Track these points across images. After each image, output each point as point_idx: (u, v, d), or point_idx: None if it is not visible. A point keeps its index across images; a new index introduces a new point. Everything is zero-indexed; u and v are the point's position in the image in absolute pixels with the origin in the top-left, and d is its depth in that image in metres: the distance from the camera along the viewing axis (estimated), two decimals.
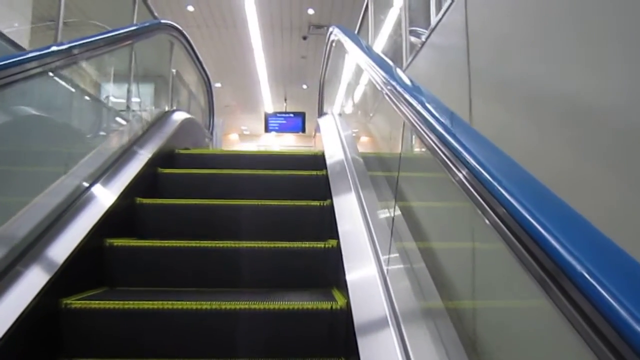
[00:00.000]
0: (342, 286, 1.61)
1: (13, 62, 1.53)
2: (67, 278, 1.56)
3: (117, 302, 1.51)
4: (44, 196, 1.75)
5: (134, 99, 3.23)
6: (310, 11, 8.49)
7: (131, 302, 1.50)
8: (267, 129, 12.72)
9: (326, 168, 2.63)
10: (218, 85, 12.11)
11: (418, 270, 1.41)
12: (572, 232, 0.58)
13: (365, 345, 1.26)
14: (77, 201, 1.88)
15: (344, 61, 4.77)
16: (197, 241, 1.89)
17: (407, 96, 1.40)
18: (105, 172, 2.20)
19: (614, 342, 0.45)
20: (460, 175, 0.91)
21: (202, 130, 4.96)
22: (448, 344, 1.15)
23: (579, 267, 0.51)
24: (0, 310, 1.31)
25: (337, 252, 1.78)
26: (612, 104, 1.09)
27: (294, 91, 12.74)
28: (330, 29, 4.07)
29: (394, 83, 1.60)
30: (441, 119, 1.11)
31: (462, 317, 1.20)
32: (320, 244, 1.89)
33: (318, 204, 2.21)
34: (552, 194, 0.69)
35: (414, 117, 1.29)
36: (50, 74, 1.88)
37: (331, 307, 1.51)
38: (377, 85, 1.92)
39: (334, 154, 2.81)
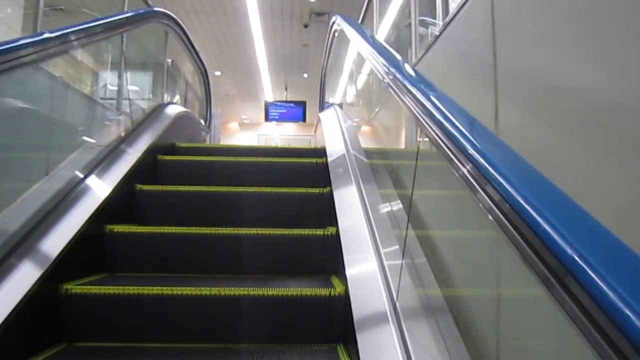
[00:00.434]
0: (341, 273, 1.63)
1: None
2: (67, 264, 1.58)
3: (117, 287, 1.53)
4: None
5: (128, 90, 3.12)
6: None
7: (131, 288, 1.53)
8: (267, 118, 12.71)
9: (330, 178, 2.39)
10: (218, 73, 12.07)
11: (417, 259, 1.43)
12: (578, 230, 0.58)
13: (362, 331, 1.28)
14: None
15: (347, 52, 4.70)
16: (197, 228, 1.91)
17: (421, 98, 1.25)
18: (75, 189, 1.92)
19: (617, 340, 0.44)
20: (464, 169, 0.90)
21: (198, 125, 4.79)
22: (445, 331, 1.17)
23: (583, 265, 0.51)
24: (1, 295, 1.33)
25: (336, 240, 1.80)
26: None
27: (294, 80, 12.69)
28: (333, 19, 3.93)
29: (404, 81, 1.43)
30: (460, 124, 1.02)
31: (459, 305, 1.22)
32: (320, 231, 1.91)
33: (318, 190, 2.23)
34: (557, 188, 0.67)
35: (426, 118, 1.17)
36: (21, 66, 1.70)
37: (329, 293, 1.53)
38: (384, 82, 1.73)
39: (337, 160, 2.56)
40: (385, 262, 1.51)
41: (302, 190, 2.26)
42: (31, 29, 2.70)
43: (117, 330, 1.54)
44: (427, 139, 1.16)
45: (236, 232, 1.92)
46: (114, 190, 2.03)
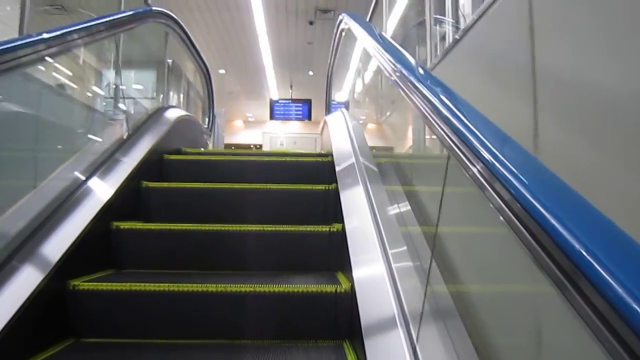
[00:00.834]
0: (347, 270, 1.64)
1: None
2: (74, 260, 1.60)
3: (124, 284, 1.55)
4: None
5: (123, 94, 2.95)
6: None
7: (138, 284, 1.55)
8: (272, 116, 12.73)
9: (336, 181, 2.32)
10: (222, 71, 12.10)
11: (422, 254, 1.43)
12: (591, 230, 0.56)
13: (368, 328, 1.29)
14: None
15: (355, 51, 4.58)
16: (203, 224, 1.93)
17: (448, 114, 1.07)
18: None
19: (633, 344, 0.43)
20: (474, 169, 0.88)
21: (199, 128, 4.63)
22: (452, 328, 1.18)
23: (597, 266, 0.49)
24: (10, 292, 1.35)
25: (341, 236, 1.81)
26: None
27: (299, 78, 12.70)
28: (340, 17, 3.77)
29: (422, 89, 1.27)
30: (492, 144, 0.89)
31: (467, 303, 1.23)
32: (325, 228, 1.92)
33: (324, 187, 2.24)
34: (571, 190, 0.65)
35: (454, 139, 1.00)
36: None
37: (335, 290, 1.54)
38: (399, 87, 1.53)
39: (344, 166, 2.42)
40: (392, 262, 1.51)
41: (308, 186, 2.27)
42: (31, 28, 2.67)
43: (123, 327, 1.56)
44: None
45: (242, 228, 1.94)
46: (118, 189, 2.05)
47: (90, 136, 2.44)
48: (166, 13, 3.51)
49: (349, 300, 1.51)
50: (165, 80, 3.99)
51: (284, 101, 12.94)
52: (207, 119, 5.55)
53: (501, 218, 0.72)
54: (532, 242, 0.62)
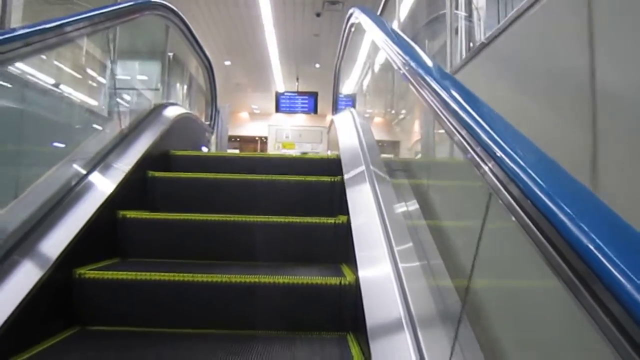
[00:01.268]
0: (352, 262, 1.66)
1: None
2: (80, 249, 1.62)
3: (129, 272, 1.58)
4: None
5: (117, 93, 2.74)
6: None
7: (143, 273, 1.57)
8: (278, 109, 12.73)
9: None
10: (227, 63, 12.12)
11: (426, 245, 1.44)
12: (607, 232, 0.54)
13: (372, 319, 1.30)
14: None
15: (366, 46, 4.42)
16: (209, 214, 1.95)
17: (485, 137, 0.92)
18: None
19: None
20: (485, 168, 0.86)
21: (200, 127, 4.45)
22: (456, 320, 1.18)
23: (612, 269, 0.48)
24: (16, 280, 1.38)
25: (346, 228, 1.82)
26: None
27: (306, 70, 12.69)
28: (351, 11, 3.63)
29: (446, 98, 1.16)
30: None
31: (472, 297, 1.23)
32: (331, 220, 1.94)
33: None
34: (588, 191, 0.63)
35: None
36: None
37: (340, 282, 1.56)
38: (418, 93, 1.42)
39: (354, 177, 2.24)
40: (396, 251, 1.52)
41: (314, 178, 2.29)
42: (31, 19, 2.60)
43: (129, 315, 1.58)
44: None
45: (247, 219, 1.96)
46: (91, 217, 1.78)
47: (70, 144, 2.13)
48: (166, 5, 3.29)
49: (354, 291, 1.52)
50: (166, 74, 3.83)
51: (289, 94, 12.93)
52: (209, 115, 5.40)
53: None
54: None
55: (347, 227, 1.83)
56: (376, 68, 4.15)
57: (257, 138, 17.23)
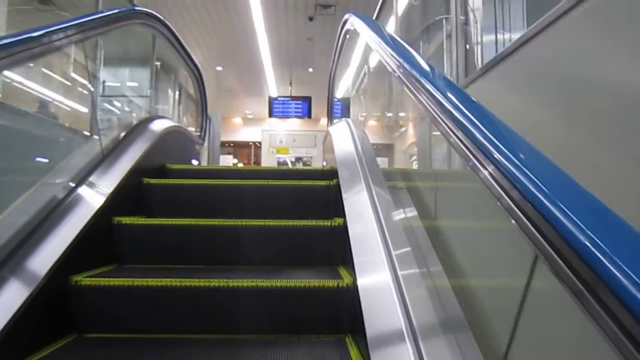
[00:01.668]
0: (349, 264, 1.67)
1: None
2: (76, 256, 1.63)
3: (125, 279, 1.58)
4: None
5: (95, 109, 2.55)
6: None
7: (140, 280, 1.58)
8: (271, 114, 12.74)
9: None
10: (219, 68, 12.13)
11: (424, 247, 1.46)
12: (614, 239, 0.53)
13: (371, 321, 1.32)
14: None
15: (365, 55, 4.29)
16: (205, 219, 1.96)
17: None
18: None
19: None
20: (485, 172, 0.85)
21: (189, 139, 4.26)
22: (455, 322, 1.20)
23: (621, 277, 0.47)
24: (12, 288, 1.38)
25: (343, 230, 1.84)
26: None
27: (299, 75, 12.72)
28: (345, 17, 3.43)
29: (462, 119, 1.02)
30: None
31: (465, 291, 1.25)
32: (327, 222, 1.96)
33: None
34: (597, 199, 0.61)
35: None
36: None
37: (337, 284, 1.57)
38: (433, 116, 1.23)
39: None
40: (393, 254, 1.54)
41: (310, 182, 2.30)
42: (17, 26, 2.50)
43: (126, 322, 1.59)
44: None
45: (243, 223, 1.97)
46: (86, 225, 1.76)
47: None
48: (150, 13, 3.09)
49: (351, 294, 1.53)
50: (153, 84, 3.66)
51: (283, 98, 12.95)
52: (199, 126, 5.22)
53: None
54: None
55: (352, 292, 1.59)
56: (371, 73, 4.04)
57: (250, 143, 17.23)
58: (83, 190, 1.93)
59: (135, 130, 2.73)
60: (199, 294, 1.59)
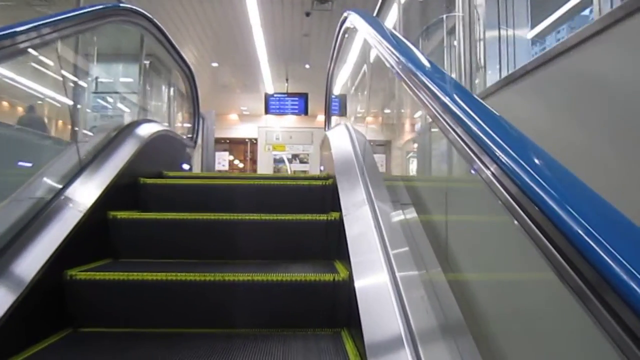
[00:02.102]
0: (344, 258, 1.69)
1: None
2: (71, 250, 1.64)
3: (121, 273, 1.60)
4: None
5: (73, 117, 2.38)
6: None
7: (135, 274, 1.59)
8: (267, 111, 12.73)
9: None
10: (215, 64, 12.11)
11: (419, 240, 1.47)
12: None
13: (367, 315, 1.33)
14: None
15: (364, 55, 4.18)
16: (200, 213, 1.98)
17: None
18: None
19: None
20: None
21: (179, 144, 4.04)
22: (450, 315, 1.22)
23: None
24: (6, 282, 1.40)
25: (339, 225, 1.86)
26: None
27: (296, 71, 12.71)
28: (345, 14, 3.27)
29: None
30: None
31: (459, 283, 1.27)
32: (323, 217, 1.97)
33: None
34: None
35: None
36: None
37: (333, 278, 1.59)
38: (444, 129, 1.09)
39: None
40: (389, 247, 1.56)
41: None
42: (8, 20, 2.39)
43: (121, 316, 1.61)
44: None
45: (239, 217, 1.98)
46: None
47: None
48: (137, 11, 2.93)
49: (347, 288, 1.55)
50: (141, 82, 3.52)
51: (279, 95, 12.94)
52: (190, 127, 4.97)
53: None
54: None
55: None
56: (370, 71, 3.90)
57: (247, 140, 17.21)
58: (46, 218, 1.70)
59: (118, 138, 2.52)
60: (194, 289, 1.60)
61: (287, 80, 13.24)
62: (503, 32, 2.96)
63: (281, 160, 14.69)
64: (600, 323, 0.49)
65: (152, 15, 3.21)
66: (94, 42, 3.06)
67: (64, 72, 2.34)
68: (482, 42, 2.81)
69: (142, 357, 1.39)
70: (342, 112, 5.66)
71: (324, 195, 2.30)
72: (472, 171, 0.87)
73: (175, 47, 3.90)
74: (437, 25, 3.61)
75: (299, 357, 1.36)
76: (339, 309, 1.59)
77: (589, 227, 0.54)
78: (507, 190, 0.73)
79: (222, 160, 14.91)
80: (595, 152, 1.41)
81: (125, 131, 2.65)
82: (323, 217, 1.99)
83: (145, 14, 3.09)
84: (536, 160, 0.73)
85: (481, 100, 1.07)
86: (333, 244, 1.95)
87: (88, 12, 2.20)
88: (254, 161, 16.61)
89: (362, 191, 1.96)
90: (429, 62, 1.48)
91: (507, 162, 0.75)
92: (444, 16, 3.29)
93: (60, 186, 1.89)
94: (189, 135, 4.88)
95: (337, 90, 5.81)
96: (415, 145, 3.31)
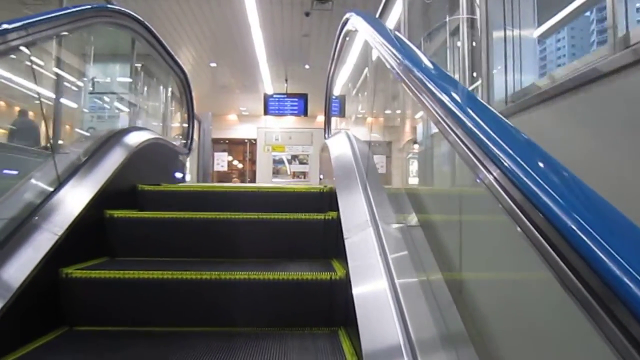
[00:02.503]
0: (342, 257, 1.69)
1: None
2: (67, 248, 1.65)
3: (117, 271, 1.60)
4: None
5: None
6: None
7: (131, 272, 1.60)
8: (266, 111, 12.74)
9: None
10: (213, 65, 12.12)
11: (416, 238, 1.48)
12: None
13: (363, 314, 1.34)
14: None
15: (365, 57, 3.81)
16: (197, 212, 1.98)
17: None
18: None
19: None
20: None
21: (172, 151, 3.79)
22: (446, 312, 1.22)
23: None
24: (1, 280, 1.40)
25: (336, 223, 1.86)
26: None
27: (295, 71, 12.72)
28: (346, 16, 3.11)
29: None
30: None
31: (454, 275, 1.27)
32: (321, 215, 1.98)
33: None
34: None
35: None
36: None
37: (330, 277, 1.60)
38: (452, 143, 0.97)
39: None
40: (385, 245, 1.56)
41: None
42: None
43: (117, 315, 1.61)
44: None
45: (236, 216, 1.99)
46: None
47: None
48: (125, 12, 2.78)
49: (344, 286, 1.55)
50: (132, 86, 3.42)
51: (278, 96, 12.94)
52: (186, 134, 4.68)
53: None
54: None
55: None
56: (370, 74, 3.64)
57: (246, 140, 17.21)
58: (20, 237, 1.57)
59: (103, 148, 2.31)
60: (191, 287, 1.61)
61: (286, 80, 13.26)
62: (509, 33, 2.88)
63: (281, 161, 14.69)
64: (607, 337, 0.47)
65: (150, 15, 3.16)
66: (88, 42, 3.00)
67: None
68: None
69: (137, 355, 1.40)
70: (342, 113, 5.67)
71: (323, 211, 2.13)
72: (482, 181, 0.81)
73: (168, 50, 3.71)
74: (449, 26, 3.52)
75: (295, 355, 1.37)
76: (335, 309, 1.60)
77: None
78: (511, 196, 0.69)
79: (221, 161, 14.91)
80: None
81: (111, 141, 2.40)
82: (320, 216, 2.00)
83: (134, 16, 2.91)
84: (560, 176, 0.67)
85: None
86: (331, 244, 1.96)
87: (65, 13, 2.00)
88: (253, 162, 16.59)
89: (365, 212, 1.80)
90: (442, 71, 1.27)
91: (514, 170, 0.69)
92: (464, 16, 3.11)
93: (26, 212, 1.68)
94: (183, 141, 4.63)
95: (337, 90, 5.79)
96: (416, 146, 3.30)
